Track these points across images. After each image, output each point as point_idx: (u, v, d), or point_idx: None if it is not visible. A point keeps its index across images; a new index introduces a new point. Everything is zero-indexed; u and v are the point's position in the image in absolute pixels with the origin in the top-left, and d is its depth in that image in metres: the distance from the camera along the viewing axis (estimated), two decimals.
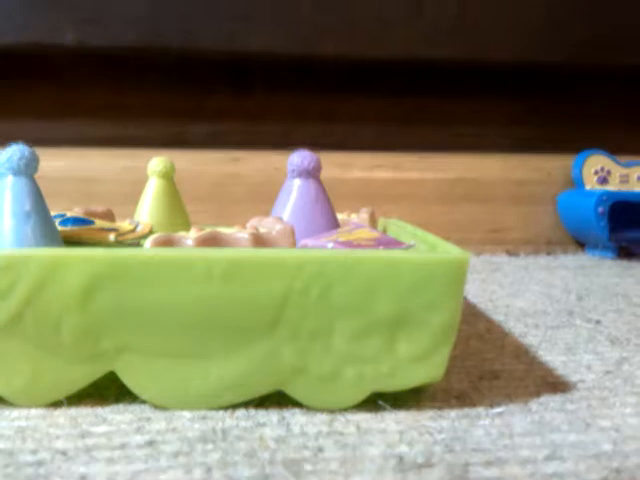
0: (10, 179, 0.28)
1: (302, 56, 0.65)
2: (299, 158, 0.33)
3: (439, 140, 0.72)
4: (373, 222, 0.41)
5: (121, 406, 0.24)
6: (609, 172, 0.67)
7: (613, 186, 0.67)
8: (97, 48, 0.60)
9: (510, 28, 0.67)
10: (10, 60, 0.62)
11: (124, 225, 0.36)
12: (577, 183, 0.68)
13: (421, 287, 0.23)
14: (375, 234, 0.31)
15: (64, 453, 0.21)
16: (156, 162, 0.39)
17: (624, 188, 0.67)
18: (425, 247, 0.30)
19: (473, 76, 0.72)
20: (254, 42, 0.64)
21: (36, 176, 0.29)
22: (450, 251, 0.25)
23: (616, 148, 0.70)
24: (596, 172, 0.67)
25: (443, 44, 0.66)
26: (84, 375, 0.24)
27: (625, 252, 0.65)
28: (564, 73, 0.73)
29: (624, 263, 0.61)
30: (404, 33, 0.65)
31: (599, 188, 0.66)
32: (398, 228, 0.38)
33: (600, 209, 0.62)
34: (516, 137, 0.74)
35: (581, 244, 0.69)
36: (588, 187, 0.67)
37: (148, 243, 0.26)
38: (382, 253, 0.24)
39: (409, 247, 0.30)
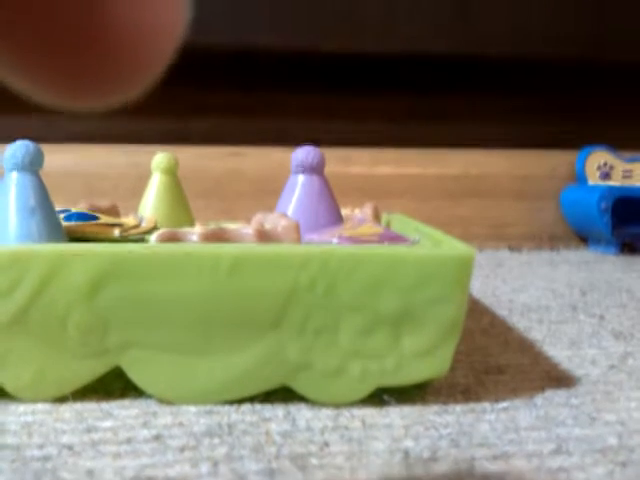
0: (15, 175, 0.28)
1: (305, 52, 0.65)
2: (303, 154, 0.33)
3: (442, 136, 0.72)
4: (376, 217, 0.41)
5: (127, 401, 0.25)
6: (612, 167, 0.67)
7: (616, 181, 0.67)
8: None
9: (514, 23, 0.67)
10: None
11: (128, 220, 0.36)
12: (580, 179, 0.67)
13: (427, 283, 0.23)
14: (379, 229, 0.31)
15: (70, 448, 0.21)
16: (160, 158, 0.39)
17: (627, 183, 0.67)
18: (430, 243, 0.30)
19: (476, 71, 0.72)
20: (257, 38, 0.63)
21: (41, 172, 0.29)
22: (456, 247, 0.25)
23: (619, 143, 0.69)
24: (599, 167, 0.67)
25: (446, 39, 0.66)
26: (90, 370, 0.24)
27: (628, 247, 0.65)
28: (568, 68, 0.73)
29: (627, 258, 0.61)
30: (406, 29, 0.65)
31: (602, 183, 0.66)
32: (402, 223, 0.38)
33: (603, 204, 0.61)
34: (519, 133, 0.74)
35: (584, 239, 0.68)
36: (591, 182, 0.67)
37: (154, 238, 0.26)
38: (387, 249, 0.24)
39: (414, 242, 0.30)
